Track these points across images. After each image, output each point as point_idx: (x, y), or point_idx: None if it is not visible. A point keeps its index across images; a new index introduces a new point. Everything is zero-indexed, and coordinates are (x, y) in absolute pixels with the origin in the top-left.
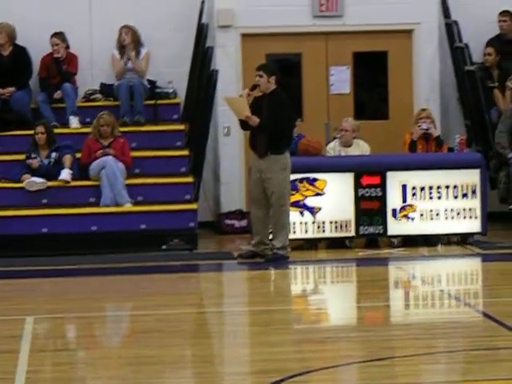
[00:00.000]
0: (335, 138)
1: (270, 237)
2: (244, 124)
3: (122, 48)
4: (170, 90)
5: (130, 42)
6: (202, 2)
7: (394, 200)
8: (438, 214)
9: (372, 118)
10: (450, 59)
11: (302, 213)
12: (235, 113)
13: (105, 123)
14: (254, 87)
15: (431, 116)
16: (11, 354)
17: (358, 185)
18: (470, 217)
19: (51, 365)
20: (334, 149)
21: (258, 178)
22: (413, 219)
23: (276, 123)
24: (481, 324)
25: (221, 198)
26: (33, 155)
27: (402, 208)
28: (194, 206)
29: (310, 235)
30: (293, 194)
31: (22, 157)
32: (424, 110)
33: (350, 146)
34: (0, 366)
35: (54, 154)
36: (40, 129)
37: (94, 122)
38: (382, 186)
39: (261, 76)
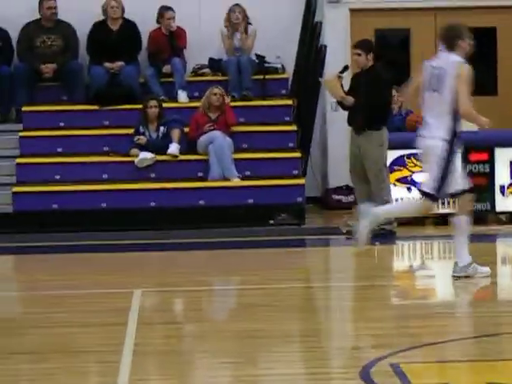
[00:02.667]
0: None
1: None
2: (342, 104)
3: (230, 26)
4: (279, 65)
5: (240, 20)
6: None
7: (502, 177)
8: None
9: (480, 94)
10: None
11: (409, 189)
12: (331, 94)
13: (218, 92)
14: (345, 68)
15: None
16: (119, 327)
17: (465, 161)
18: None
19: (159, 338)
20: None
21: (356, 153)
22: None
23: (372, 100)
24: None
25: (328, 174)
26: (141, 129)
27: (510, 184)
28: (301, 181)
29: None
30: (400, 170)
31: (130, 131)
32: None
33: None
34: (108, 338)
35: (162, 128)
36: (153, 103)
37: (205, 94)
38: (490, 162)
39: (359, 54)
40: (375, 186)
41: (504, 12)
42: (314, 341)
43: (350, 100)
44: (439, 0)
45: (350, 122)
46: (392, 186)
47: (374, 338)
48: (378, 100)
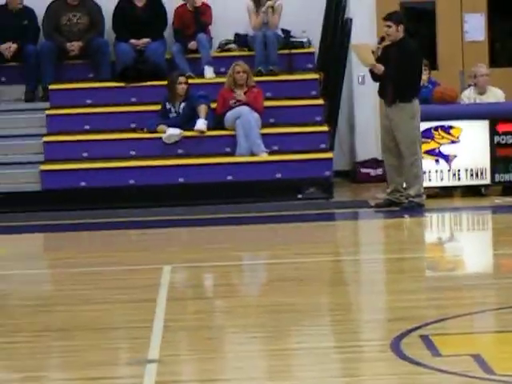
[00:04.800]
0: (470, 86)
1: (405, 184)
2: (374, 74)
3: (256, 1)
4: (305, 39)
5: None
6: None
7: None
8: None
9: (507, 66)
10: None
11: (437, 161)
12: (361, 61)
13: (241, 70)
14: (382, 39)
15: None
16: (149, 303)
17: (493, 132)
18: None
19: (189, 313)
20: (469, 97)
21: (387, 126)
22: None
23: (403, 72)
24: None
25: (356, 147)
26: (167, 106)
27: None
28: (329, 155)
29: (445, 183)
30: (428, 142)
31: (157, 107)
32: None
33: (484, 93)
34: (138, 314)
35: (183, 105)
36: (183, 79)
37: (229, 71)
38: None
39: (389, 26)
40: (407, 159)
41: None
42: (345, 314)
43: (381, 68)
44: None
45: (381, 94)
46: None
47: (404, 310)
48: (409, 72)
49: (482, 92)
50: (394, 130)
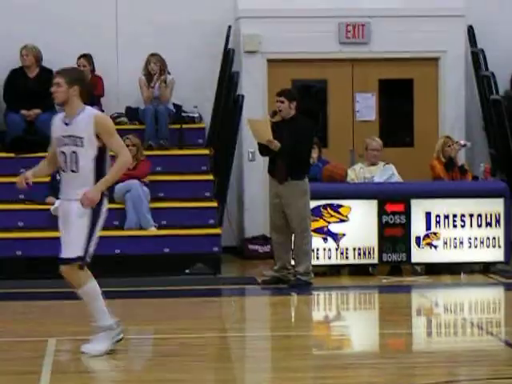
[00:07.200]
0: (359, 163)
1: (293, 262)
2: (263, 149)
3: (148, 75)
4: (196, 115)
5: (157, 70)
6: (229, 28)
7: (417, 227)
8: (461, 243)
9: (397, 146)
10: (475, 88)
11: (325, 239)
12: (256, 136)
13: (130, 143)
14: (274, 113)
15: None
16: (33, 375)
17: (381, 212)
18: (494, 246)
19: None
20: (358, 169)
21: (277, 204)
22: (436, 247)
23: (296, 149)
24: (503, 353)
25: (244, 223)
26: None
27: (426, 236)
28: (217, 231)
29: (333, 261)
30: (317, 221)
31: (46, 178)
32: (448, 137)
33: (374, 164)
34: None
35: None
36: None
37: None
38: (406, 213)
39: (282, 102)
40: (297, 236)
41: (421, 64)
42: None
43: (277, 145)
44: (356, 51)
45: (271, 171)
46: None
47: None
48: (302, 150)
49: (372, 164)
50: (285, 207)
